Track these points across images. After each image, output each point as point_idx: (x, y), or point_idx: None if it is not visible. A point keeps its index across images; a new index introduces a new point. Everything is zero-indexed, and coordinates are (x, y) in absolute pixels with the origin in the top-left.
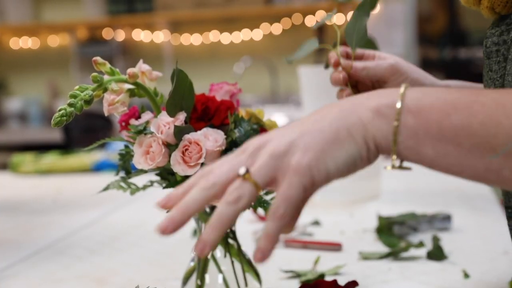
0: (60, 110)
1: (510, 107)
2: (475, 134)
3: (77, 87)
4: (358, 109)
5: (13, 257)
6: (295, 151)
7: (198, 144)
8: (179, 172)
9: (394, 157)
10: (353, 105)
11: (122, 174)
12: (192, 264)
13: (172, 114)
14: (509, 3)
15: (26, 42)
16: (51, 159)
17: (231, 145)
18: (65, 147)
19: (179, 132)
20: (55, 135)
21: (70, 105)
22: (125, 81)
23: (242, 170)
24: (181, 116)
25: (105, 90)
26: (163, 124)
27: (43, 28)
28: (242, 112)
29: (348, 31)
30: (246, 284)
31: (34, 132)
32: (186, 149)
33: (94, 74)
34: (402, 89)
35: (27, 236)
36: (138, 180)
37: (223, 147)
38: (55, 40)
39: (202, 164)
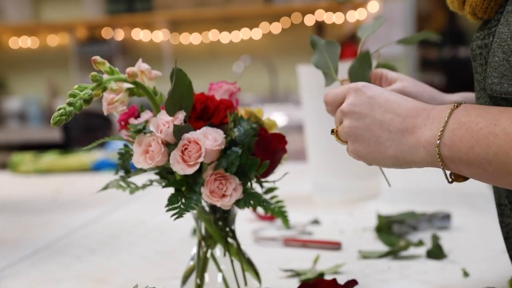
0: (59, 109)
1: None
2: (492, 162)
3: (76, 86)
4: (413, 149)
5: (13, 257)
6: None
7: (198, 143)
8: (178, 171)
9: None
10: (410, 144)
11: (121, 173)
12: (191, 263)
13: (171, 113)
14: (488, 8)
15: (25, 42)
16: (50, 158)
17: (231, 144)
18: (65, 146)
19: (178, 131)
20: (55, 134)
21: (69, 104)
22: (125, 80)
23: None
24: (181, 115)
25: (105, 89)
26: (163, 123)
27: (43, 27)
28: (241, 111)
29: (353, 75)
30: (245, 283)
31: (34, 131)
32: (186, 148)
33: (94, 73)
34: (442, 124)
35: (27, 236)
36: (138, 180)
37: (223, 146)
38: (54, 40)
39: (201, 163)
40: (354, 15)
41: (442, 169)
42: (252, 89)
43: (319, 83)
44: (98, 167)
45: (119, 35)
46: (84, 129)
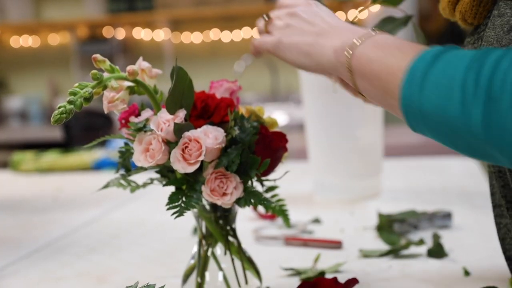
0: (59, 108)
1: (399, 73)
2: (381, 80)
3: (76, 84)
4: (324, 50)
5: (13, 255)
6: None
7: (198, 142)
8: (179, 169)
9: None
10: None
11: (122, 171)
12: (192, 262)
13: (172, 111)
14: (477, 14)
15: (26, 41)
16: (51, 157)
17: (231, 143)
18: (66, 145)
19: (178, 130)
20: (56, 133)
21: (69, 102)
22: (125, 79)
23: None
24: (181, 114)
25: (105, 87)
26: (163, 121)
27: (44, 26)
28: (242, 110)
29: None
30: (246, 282)
31: (35, 130)
32: (186, 147)
33: (94, 71)
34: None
35: (27, 234)
36: (138, 178)
37: (223, 145)
38: (55, 39)
39: (202, 161)
40: (355, 14)
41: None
42: (253, 88)
43: (320, 82)
44: (99, 166)
45: (120, 34)
46: (85, 128)
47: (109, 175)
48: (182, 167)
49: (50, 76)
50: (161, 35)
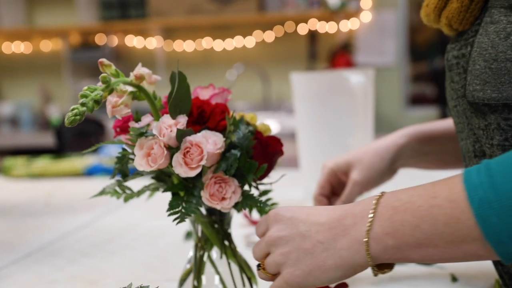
0: (73, 110)
1: (459, 201)
2: (444, 233)
3: (85, 87)
4: (352, 250)
5: (6, 259)
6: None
7: (199, 147)
8: (181, 173)
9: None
10: (346, 244)
11: (118, 177)
12: (188, 266)
13: (173, 116)
14: (464, 20)
15: (18, 47)
16: (43, 163)
17: (229, 147)
18: (57, 151)
19: (181, 135)
20: (47, 139)
21: (82, 104)
22: (131, 83)
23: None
24: (182, 120)
25: (111, 91)
26: (165, 127)
27: (36, 33)
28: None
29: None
30: (243, 285)
31: (26, 136)
32: (188, 151)
33: (103, 75)
34: (371, 216)
35: (20, 239)
36: (132, 184)
37: (223, 149)
38: (47, 45)
39: (203, 166)
40: (347, 25)
41: (371, 266)
42: (245, 97)
43: (312, 90)
44: (91, 172)
45: (113, 41)
46: (77, 134)
47: (101, 181)
48: (184, 172)
49: (42, 83)
50: (153, 43)
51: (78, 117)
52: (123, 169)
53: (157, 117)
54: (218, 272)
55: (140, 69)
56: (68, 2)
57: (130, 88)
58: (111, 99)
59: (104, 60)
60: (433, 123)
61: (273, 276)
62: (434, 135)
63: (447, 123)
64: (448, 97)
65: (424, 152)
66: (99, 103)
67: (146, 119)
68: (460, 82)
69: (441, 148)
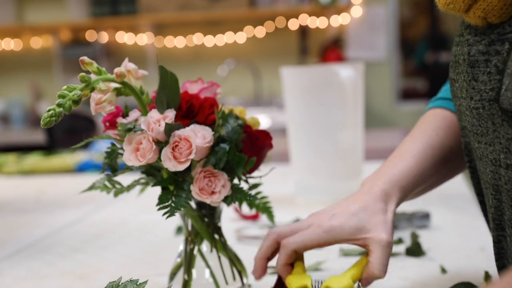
0: (49, 111)
1: None
2: None
3: (65, 87)
4: None
5: None
6: None
7: (188, 141)
8: (170, 168)
9: None
10: None
11: (107, 172)
12: (178, 260)
13: (161, 110)
14: (504, 13)
15: (8, 44)
16: (33, 159)
17: (218, 141)
18: (49, 148)
19: (169, 130)
20: (38, 136)
21: (58, 105)
22: (112, 81)
23: None
24: (171, 114)
25: (92, 89)
26: (153, 121)
27: (26, 29)
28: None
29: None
30: (234, 278)
31: (17, 134)
32: (176, 145)
33: (82, 74)
34: None
35: (11, 235)
36: (121, 179)
37: (211, 143)
38: (38, 42)
39: (192, 160)
40: (337, 20)
41: None
42: (236, 92)
43: (302, 84)
44: (81, 168)
45: (103, 37)
46: (68, 130)
47: (92, 177)
48: (173, 166)
49: (32, 80)
50: (144, 39)
51: (54, 118)
52: (113, 164)
53: (144, 112)
54: (208, 266)
55: (126, 65)
56: None
57: (114, 85)
58: (95, 96)
59: (85, 58)
60: (403, 172)
61: None
62: (415, 184)
63: (417, 166)
64: (463, 94)
65: (416, 193)
66: (78, 103)
67: (134, 114)
68: (490, 83)
69: (429, 184)
